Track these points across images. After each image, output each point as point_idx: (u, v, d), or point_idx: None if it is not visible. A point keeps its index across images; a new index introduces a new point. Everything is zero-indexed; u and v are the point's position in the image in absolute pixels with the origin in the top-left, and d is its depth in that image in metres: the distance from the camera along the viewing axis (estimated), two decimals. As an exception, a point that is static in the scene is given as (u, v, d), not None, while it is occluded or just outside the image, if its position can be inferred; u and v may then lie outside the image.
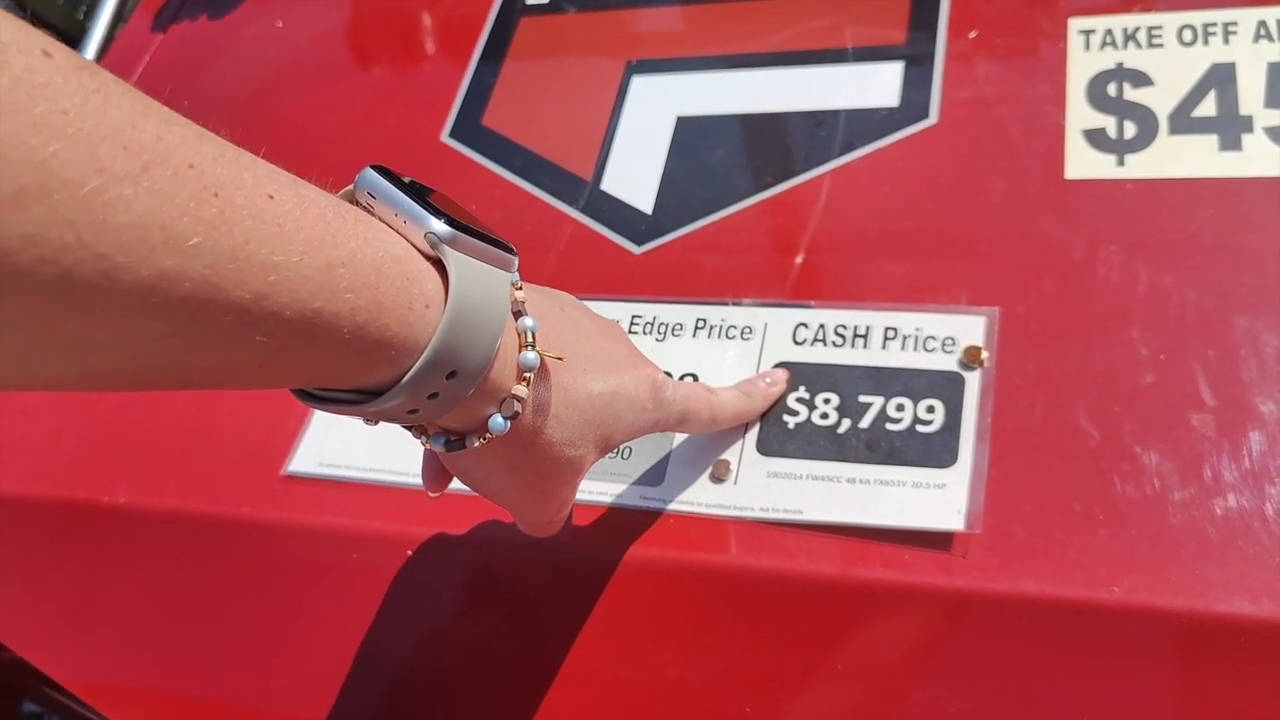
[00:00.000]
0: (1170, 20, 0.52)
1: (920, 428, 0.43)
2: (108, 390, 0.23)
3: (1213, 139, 0.48)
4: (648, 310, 0.50)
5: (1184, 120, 0.49)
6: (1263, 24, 0.50)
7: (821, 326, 0.47)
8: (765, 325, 0.48)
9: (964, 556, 0.39)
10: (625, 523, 0.44)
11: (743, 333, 0.48)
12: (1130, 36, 0.52)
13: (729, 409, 0.43)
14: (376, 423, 0.29)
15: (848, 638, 0.40)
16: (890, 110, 0.54)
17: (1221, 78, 0.49)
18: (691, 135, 0.56)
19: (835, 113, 0.55)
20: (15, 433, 0.56)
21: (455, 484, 0.46)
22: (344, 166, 0.29)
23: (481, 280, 0.28)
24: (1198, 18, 0.52)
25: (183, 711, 0.50)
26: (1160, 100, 0.50)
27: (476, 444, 0.30)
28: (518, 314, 0.30)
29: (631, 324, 0.50)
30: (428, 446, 0.32)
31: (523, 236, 0.53)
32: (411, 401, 0.27)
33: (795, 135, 0.55)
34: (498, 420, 0.30)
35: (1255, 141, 0.47)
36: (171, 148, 0.20)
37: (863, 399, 0.44)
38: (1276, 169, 0.46)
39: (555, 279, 0.51)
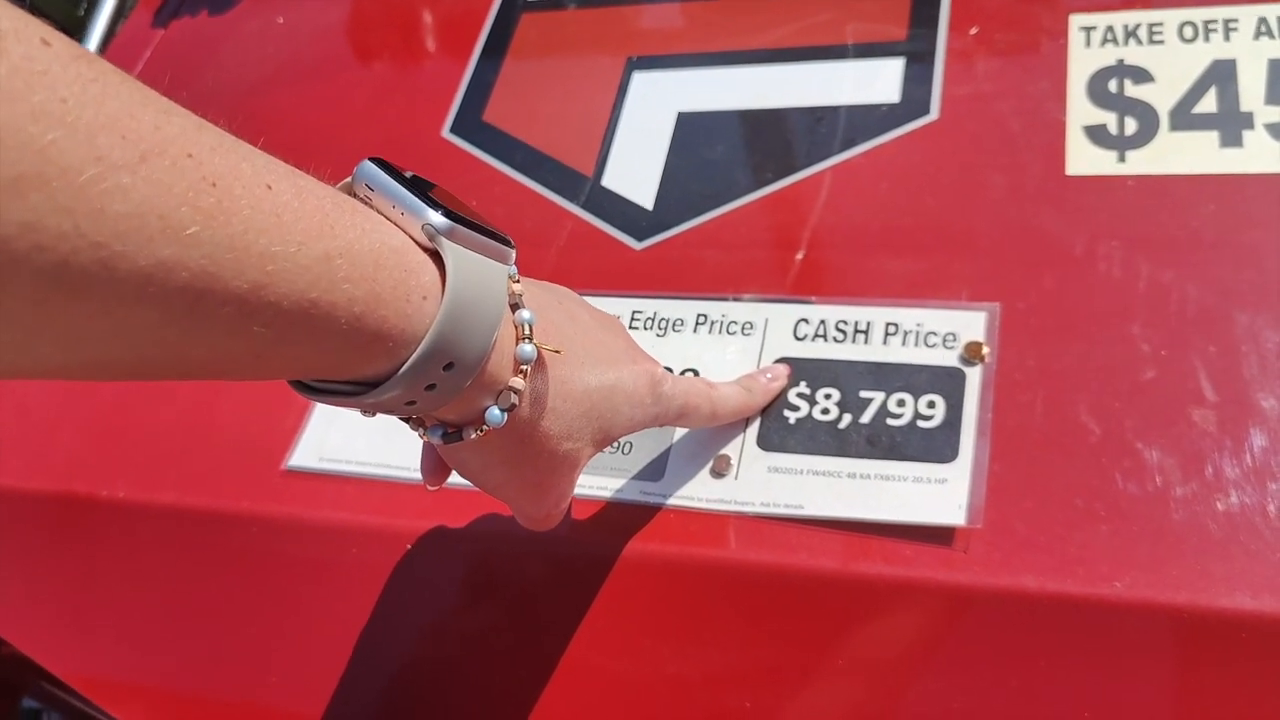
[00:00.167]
0: (1171, 17, 0.52)
1: (921, 423, 0.43)
2: (104, 380, 0.23)
3: (1214, 135, 0.48)
4: (648, 306, 0.50)
5: (1185, 117, 0.49)
6: (1263, 20, 0.50)
7: (822, 322, 0.47)
8: (766, 321, 0.48)
9: (965, 552, 0.39)
10: (625, 518, 0.44)
11: (743, 328, 0.48)
12: (1131, 33, 0.52)
13: (729, 404, 0.43)
14: (374, 414, 0.29)
15: (848, 633, 0.40)
16: (891, 106, 0.54)
17: (1222, 74, 0.49)
18: (692, 131, 0.56)
19: (836, 109, 0.55)
20: (14, 427, 0.56)
21: (455, 479, 0.46)
22: (344, 162, 0.29)
23: (479, 272, 0.28)
24: (1198, 14, 0.52)
25: (183, 706, 0.50)
26: (1161, 97, 0.50)
27: (473, 436, 0.30)
28: (515, 306, 0.30)
29: (632, 319, 0.50)
30: (425, 439, 0.32)
31: (523, 232, 0.53)
32: (409, 393, 0.27)
33: (796, 131, 0.55)
34: (494, 412, 0.30)
35: (1256, 138, 0.47)
36: (170, 137, 0.20)
37: (864, 394, 0.44)
38: (1277, 165, 0.46)
39: (556, 275, 0.51)
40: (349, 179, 0.28)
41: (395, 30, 0.70)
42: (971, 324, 0.45)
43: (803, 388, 0.45)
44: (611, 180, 0.56)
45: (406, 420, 0.32)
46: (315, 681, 0.47)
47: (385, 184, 0.27)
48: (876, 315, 0.46)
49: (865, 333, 0.46)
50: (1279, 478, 0.38)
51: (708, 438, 0.45)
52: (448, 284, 0.27)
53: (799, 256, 0.50)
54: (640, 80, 0.60)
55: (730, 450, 0.44)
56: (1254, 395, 0.40)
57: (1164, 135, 0.48)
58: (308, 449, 0.50)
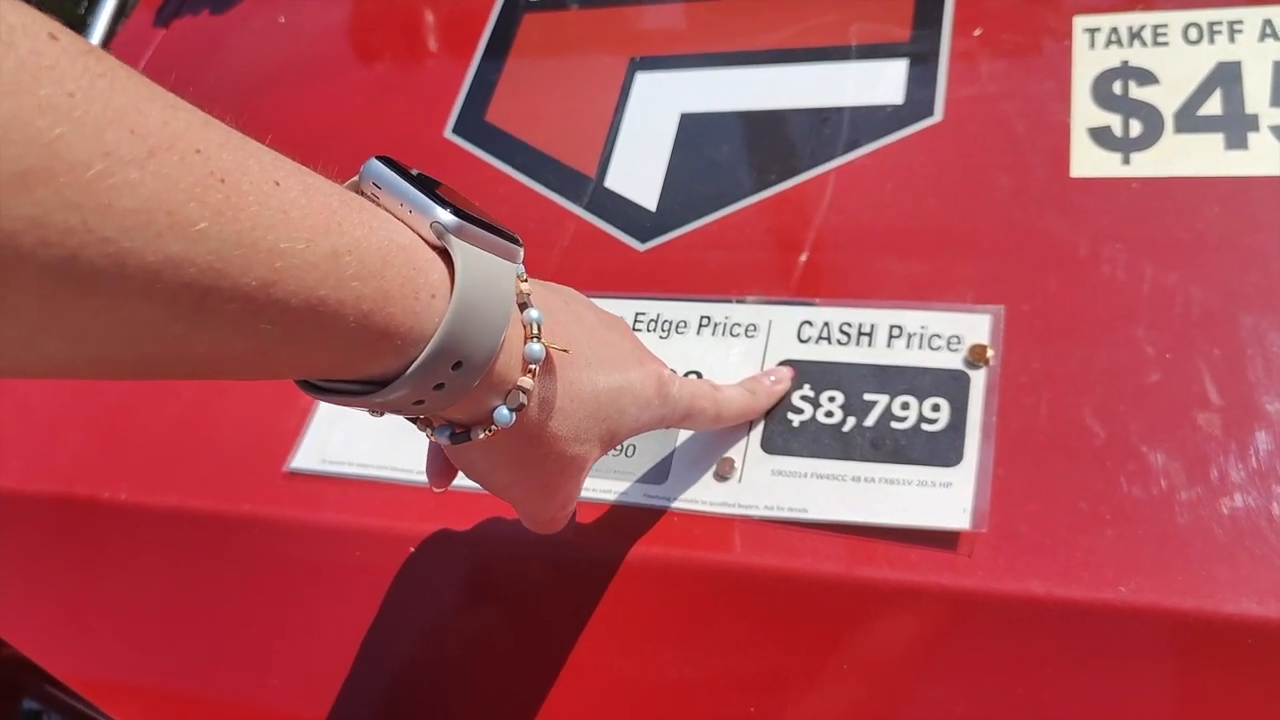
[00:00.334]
0: (1176, 19, 0.52)
1: (925, 426, 0.42)
2: (110, 378, 0.23)
3: (1218, 138, 0.47)
4: (651, 307, 0.50)
5: (1190, 119, 0.48)
6: (1268, 23, 0.50)
7: (826, 324, 0.47)
8: (770, 323, 0.48)
9: (969, 556, 0.39)
10: (629, 521, 0.44)
11: (747, 330, 0.48)
12: (1136, 35, 0.52)
13: (733, 406, 0.43)
14: (381, 414, 0.29)
15: (852, 637, 0.40)
16: (895, 108, 0.54)
17: (1227, 76, 0.49)
18: (696, 132, 0.56)
19: (840, 110, 0.55)
20: (16, 429, 0.56)
21: (459, 481, 0.46)
22: (346, 162, 0.29)
23: (487, 271, 0.28)
24: (1203, 16, 0.51)
25: (183, 709, 0.49)
26: (1166, 99, 0.49)
27: (481, 436, 0.30)
28: (523, 305, 0.30)
29: (635, 321, 0.50)
30: (432, 439, 0.32)
31: (526, 233, 0.53)
32: (417, 392, 0.27)
33: (799, 132, 0.54)
34: (503, 412, 0.30)
35: (1261, 140, 0.47)
36: (177, 133, 0.20)
37: (868, 397, 0.44)
38: (1283, 168, 0.46)
39: (559, 276, 0.51)
40: (356, 177, 0.28)
41: (397, 30, 0.69)
42: (976, 326, 0.45)
43: (806, 390, 0.45)
44: (614, 181, 0.56)
45: (413, 420, 0.31)
46: (317, 684, 0.47)
47: (393, 182, 0.27)
48: (880, 317, 0.46)
49: (869, 335, 0.46)
50: (1285, 482, 0.38)
51: (711, 441, 0.45)
52: (456, 282, 0.27)
53: (803, 258, 0.50)
54: (643, 81, 0.60)
55: (734, 453, 0.44)
56: (1259, 398, 0.40)
57: (1169, 137, 0.48)
58: (310, 451, 0.50)
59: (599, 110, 0.59)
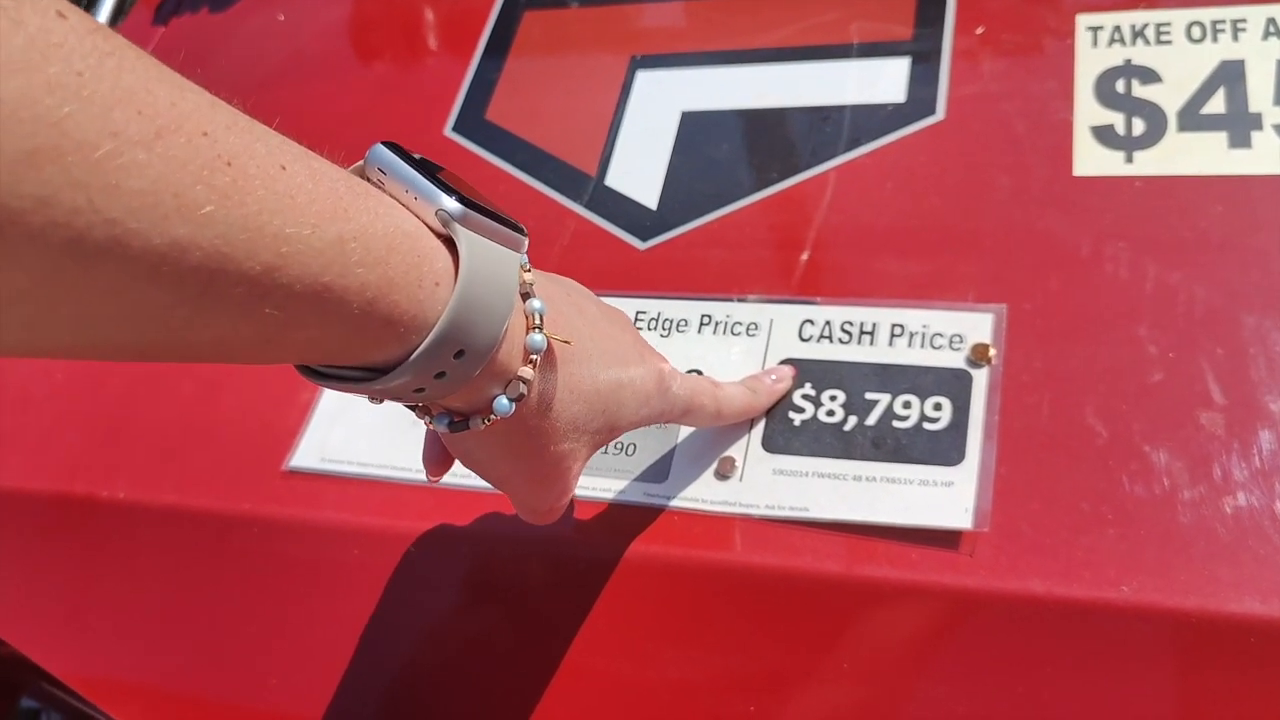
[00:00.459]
0: (1179, 17, 0.52)
1: (927, 425, 0.42)
2: (113, 360, 0.23)
3: (1222, 136, 0.47)
4: (652, 306, 0.50)
5: (1193, 117, 0.48)
6: (1272, 21, 0.50)
7: (827, 323, 0.47)
8: (771, 321, 0.48)
9: (971, 555, 0.39)
10: (628, 519, 0.44)
11: (748, 329, 0.48)
12: (1139, 33, 0.52)
13: (734, 404, 0.42)
14: (382, 401, 0.29)
15: (853, 637, 0.40)
16: (897, 106, 0.53)
17: (1231, 75, 0.49)
18: (696, 130, 0.56)
19: (841, 108, 0.54)
20: (13, 426, 0.56)
21: (458, 480, 0.46)
22: (346, 161, 0.29)
23: (491, 259, 0.28)
24: (1206, 14, 0.51)
25: (182, 707, 0.49)
26: (1169, 97, 0.49)
27: (481, 425, 0.30)
28: (525, 295, 0.30)
29: (636, 320, 0.50)
30: (431, 427, 0.31)
31: (528, 245, 0.53)
32: (418, 380, 0.27)
33: (801, 131, 0.54)
34: (503, 402, 0.30)
35: (1265, 139, 0.47)
36: (185, 114, 0.20)
37: (869, 396, 0.44)
38: (1286, 166, 0.45)
39: (559, 274, 0.51)
40: (360, 163, 0.28)
41: (397, 28, 0.69)
42: (978, 325, 0.44)
43: (808, 389, 0.45)
44: (615, 179, 0.56)
45: (413, 408, 0.31)
46: (316, 682, 0.47)
47: (399, 168, 0.27)
48: (882, 316, 0.46)
49: (871, 334, 0.46)
50: (1288, 481, 0.38)
51: (712, 439, 0.45)
52: (461, 270, 0.27)
53: (804, 257, 0.50)
54: (644, 79, 0.59)
55: (735, 452, 0.44)
56: (1262, 398, 0.40)
57: (1172, 136, 0.48)
58: (309, 449, 0.50)
59: (599, 108, 0.59)
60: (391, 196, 0.27)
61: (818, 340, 0.46)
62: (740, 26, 0.60)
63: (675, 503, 0.43)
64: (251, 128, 0.23)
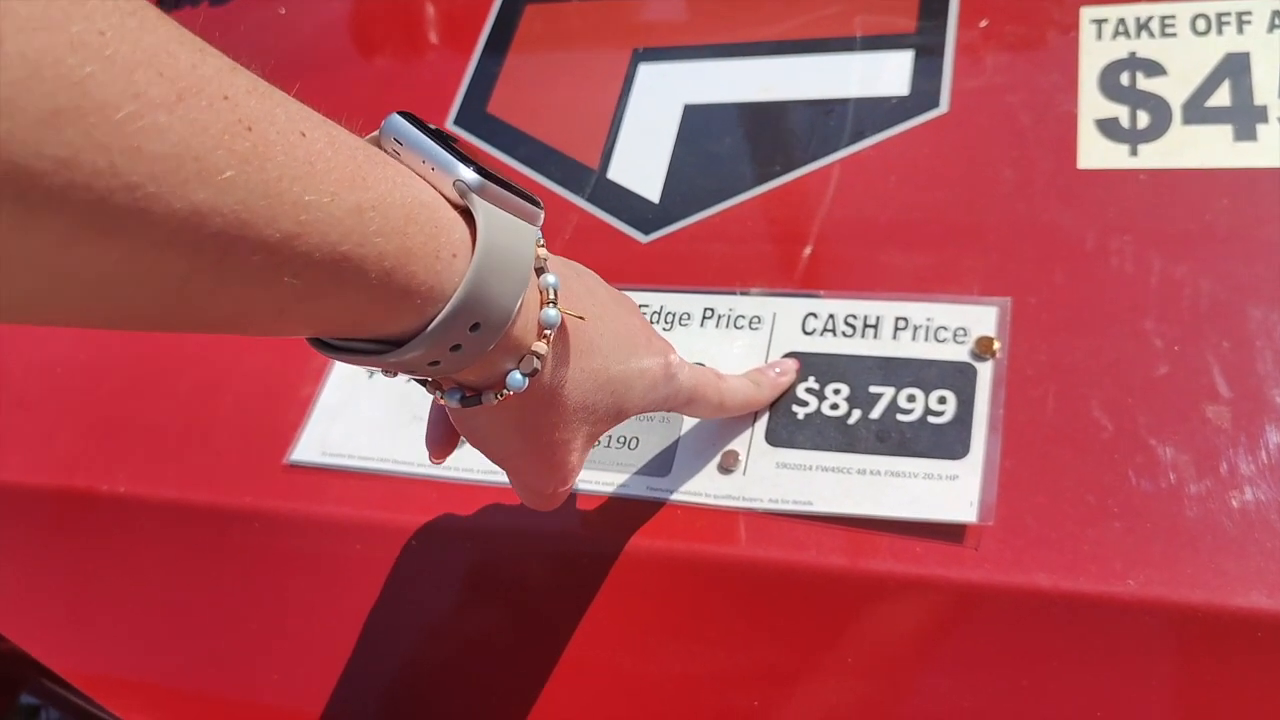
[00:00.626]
0: (1183, 9, 0.51)
1: (932, 419, 0.42)
2: (130, 329, 0.22)
3: (1227, 129, 0.47)
4: (655, 300, 0.50)
5: (1198, 110, 0.48)
6: (1277, 14, 0.50)
7: (831, 316, 0.46)
8: (774, 315, 0.47)
9: (976, 549, 0.39)
10: (632, 513, 0.43)
11: (751, 322, 0.48)
12: (1143, 25, 0.52)
13: (737, 396, 0.42)
14: (395, 374, 0.29)
15: (858, 632, 0.39)
16: (900, 99, 0.53)
17: (1236, 67, 0.49)
18: (699, 124, 0.56)
19: (844, 101, 0.54)
20: (14, 421, 0.56)
21: (460, 473, 0.46)
22: (360, 133, 0.29)
23: (508, 232, 0.27)
24: (1211, 7, 0.51)
25: (182, 703, 0.49)
26: (1174, 90, 0.49)
27: (494, 401, 0.30)
28: (540, 270, 0.30)
29: (638, 313, 0.50)
30: (441, 402, 0.31)
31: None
32: (433, 353, 0.27)
33: (804, 124, 0.54)
34: (516, 377, 0.29)
35: (1270, 132, 0.46)
36: (206, 77, 0.20)
37: (873, 389, 0.44)
38: (1292, 159, 0.45)
39: (561, 268, 0.51)
40: (375, 133, 0.28)
41: (398, 21, 0.69)
42: (982, 319, 0.44)
43: (811, 383, 0.45)
44: (617, 173, 0.56)
45: (423, 382, 0.31)
46: (317, 678, 0.46)
47: (416, 139, 0.27)
48: (886, 310, 0.46)
49: (875, 327, 0.45)
50: (1295, 475, 0.38)
51: (715, 433, 0.44)
52: (478, 242, 0.26)
53: (807, 250, 0.49)
54: (646, 72, 0.59)
55: (738, 446, 0.44)
56: (1268, 391, 0.40)
57: (1177, 129, 0.48)
58: (310, 443, 0.50)
59: (601, 102, 0.59)
60: (407, 167, 0.27)
61: (821, 334, 0.46)
62: (743, 19, 0.59)
63: (678, 496, 0.43)
64: (271, 93, 0.22)
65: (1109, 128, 0.49)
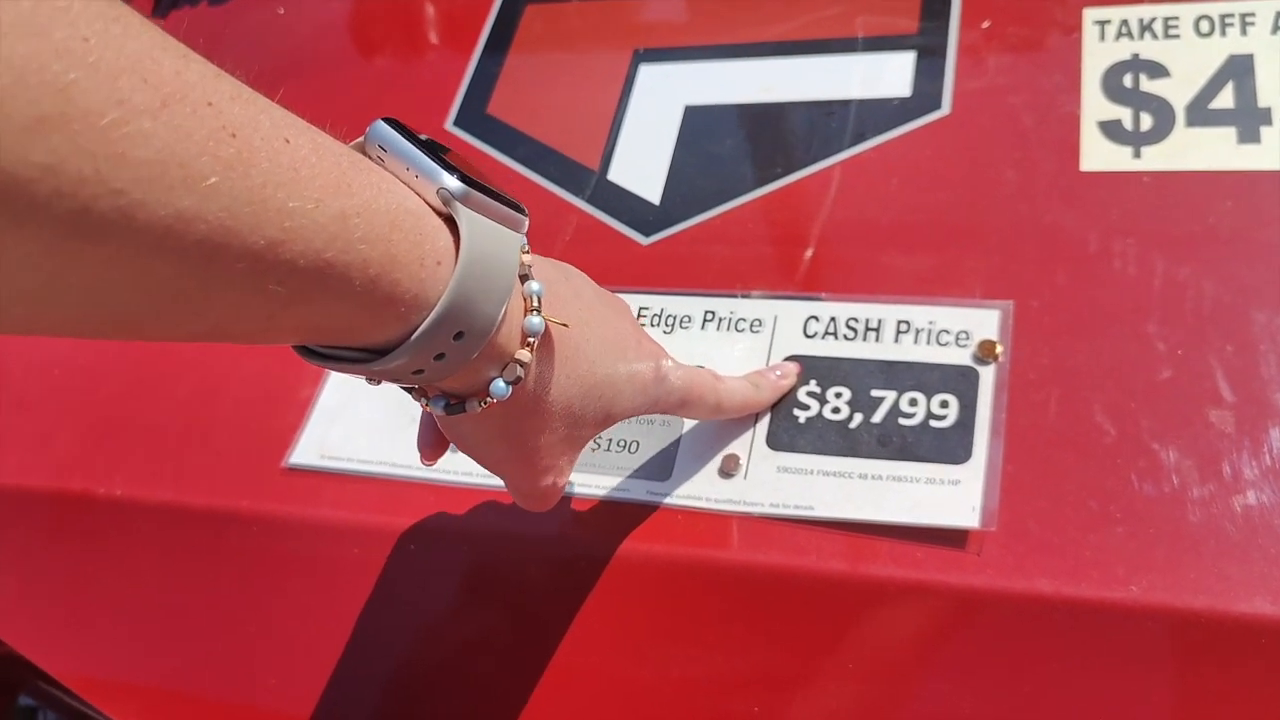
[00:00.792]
0: (1187, 11, 0.51)
1: (934, 423, 0.42)
2: (117, 339, 0.22)
3: (1230, 131, 0.47)
4: (655, 302, 0.50)
5: (1201, 112, 0.48)
6: (1281, 15, 0.49)
7: (833, 319, 0.46)
8: (775, 318, 0.47)
9: (978, 554, 0.38)
10: (631, 517, 0.43)
11: (752, 325, 0.47)
12: (1146, 27, 0.51)
13: (735, 398, 0.42)
14: (379, 382, 0.29)
15: (858, 637, 0.39)
16: (902, 100, 0.53)
17: (1239, 69, 0.48)
18: (700, 125, 0.56)
19: (846, 103, 0.54)
20: (10, 423, 0.56)
21: (457, 476, 0.46)
22: (347, 139, 0.28)
23: (492, 239, 0.27)
24: (1214, 8, 0.51)
25: (179, 706, 0.49)
26: (1177, 92, 0.49)
27: (477, 408, 0.30)
28: (524, 278, 0.30)
29: (639, 316, 0.49)
30: (426, 409, 0.31)
31: (528, 226, 0.52)
32: (417, 361, 0.27)
33: (805, 125, 0.54)
34: (499, 385, 0.29)
35: (1274, 134, 0.46)
36: (190, 84, 0.20)
37: (875, 393, 0.43)
38: (1296, 162, 0.45)
39: (561, 270, 0.50)
40: (360, 139, 0.28)
41: (398, 22, 0.69)
42: (985, 322, 0.44)
43: (813, 386, 0.44)
44: (618, 175, 0.55)
45: (409, 390, 0.31)
46: (314, 681, 0.46)
47: (399, 145, 0.27)
48: (888, 313, 0.46)
49: (876, 330, 0.45)
50: (1299, 480, 0.37)
51: (715, 437, 0.44)
52: (462, 250, 0.26)
53: (808, 253, 0.49)
54: (647, 73, 0.59)
55: (739, 449, 0.44)
56: (1272, 395, 0.39)
57: (1180, 131, 0.47)
58: (308, 446, 0.49)
59: (602, 103, 0.58)
60: (392, 174, 0.27)
61: (822, 337, 0.46)
62: (744, 20, 0.59)
63: (678, 501, 0.43)
64: (255, 99, 0.22)
65: (1112, 130, 0.49)
